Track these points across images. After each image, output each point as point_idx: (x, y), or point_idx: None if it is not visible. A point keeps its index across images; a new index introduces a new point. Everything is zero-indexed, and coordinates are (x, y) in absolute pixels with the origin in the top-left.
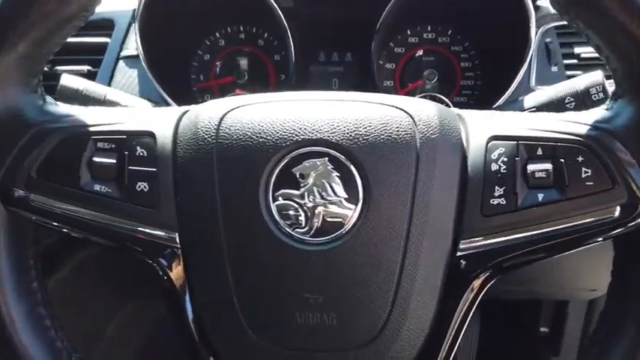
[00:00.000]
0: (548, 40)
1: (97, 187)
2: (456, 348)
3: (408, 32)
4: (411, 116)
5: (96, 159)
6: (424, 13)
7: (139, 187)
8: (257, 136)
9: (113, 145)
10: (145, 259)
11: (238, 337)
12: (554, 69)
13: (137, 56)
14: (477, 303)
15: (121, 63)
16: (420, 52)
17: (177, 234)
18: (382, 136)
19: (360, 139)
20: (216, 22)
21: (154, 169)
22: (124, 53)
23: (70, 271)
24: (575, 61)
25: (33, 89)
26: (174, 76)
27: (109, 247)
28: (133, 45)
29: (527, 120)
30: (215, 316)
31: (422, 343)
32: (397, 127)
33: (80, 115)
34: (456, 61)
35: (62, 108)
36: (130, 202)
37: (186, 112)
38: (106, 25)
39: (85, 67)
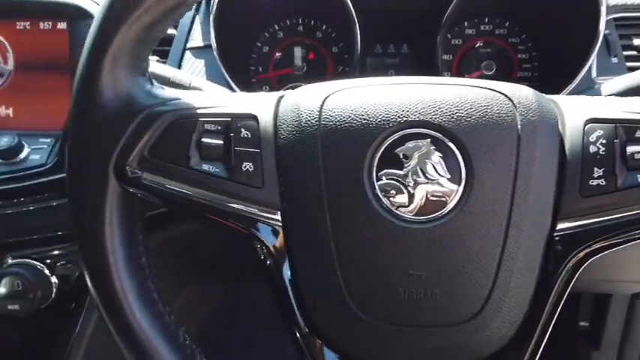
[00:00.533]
0: (607, 31)
1: (205, 167)
2: (550, 328)
3: (466, 24)
4: (510, 99)
5: (204, 140)
6: (484, 5)
7: (245, 167)
8: (360, 118)
9: (219, 127)
10: (248, 238)
11: (342, 312)
12: (615, 60)
13: (202, 47)
14: (571, 284)
15: (188, 54)
16: (478, 44)
17: (279, 212)
18: (483, 118)
19: (462, 120)
20: (277, 14)
21: (258, 150)
22: (189, 44)
23: None
24: (634, 52)
25: (142, 73)
26: (238, 67)
27: (209, 224)
28: (198, 37)
29: (623, 103)
30: (318, 293)
31: (520, 321)
32: (498, 110)
33: (187, 99)
34: (513, 52)
35: (168, 92)
36: (236, 181)
37: (282, 96)
38: None
39: (155, 58)
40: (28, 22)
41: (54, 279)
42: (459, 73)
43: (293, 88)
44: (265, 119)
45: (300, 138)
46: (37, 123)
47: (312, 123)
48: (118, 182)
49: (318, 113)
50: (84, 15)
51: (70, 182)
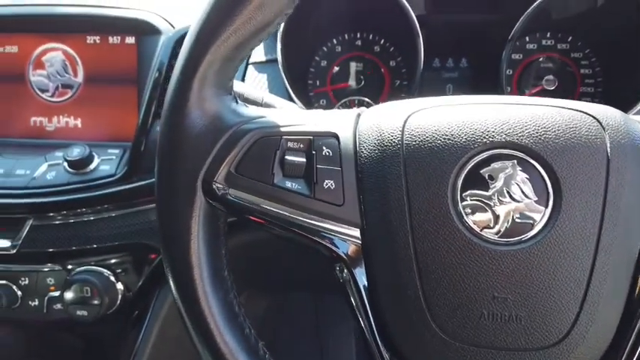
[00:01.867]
0: None
1: (288, 184)
2: (635, 356)
3: (527, 39)
4: (598, 121)
5: (288, 157)
6: (548, 21)
7: (326, 184)
8: (444, 138)
9: (301, 145)
10: (327, 253)
11: (423, 333)
12: None
13: (264, 62)
14: None
15: (250, 68)
16: (539, 59)
17: (358, 230)
18: (571, 140)
19: (549, 142)
20: (336, 29)
21: (339, 169)
22: (252, 60)
23: None
24: None
25: (228, 92)
26: (297, 81)
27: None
28: (260, 51)
29: None
30: (399, 312)
31: (606, 348)
32: (586, 132)
33: (270, 117)
34: (575, 68)
35: (252, 110)
36: (317, 199)
37: (360, 114)
38: None
39: None
40: (98, 37)
41: (119, 286)
42: (519, 88)
43: (354, 102)
44: (346, 137)
45: (382, 157)
46: (104, 134)
47: (394, 142)
48: (205, 197)
49: (400, 132)
50: (152, 30)
51: (159, 196)
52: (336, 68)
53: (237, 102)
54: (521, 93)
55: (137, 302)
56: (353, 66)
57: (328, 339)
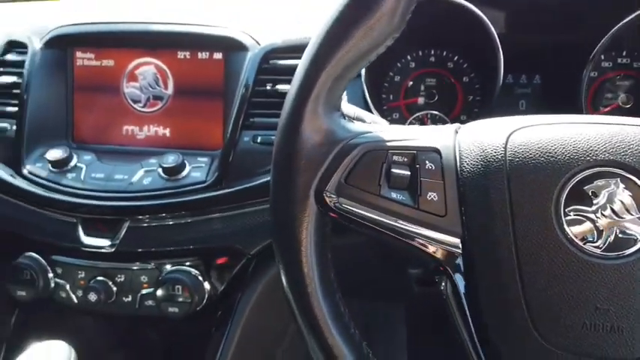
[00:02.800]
0: None
1: (394, 195)
2: None
3: (602, 57)
4: None
5: (394, 170)
6: (627, 41)
7: (430, 196)
8: (548, 155)
9: (406, 159)
10: (428, 262)
11: (524, 339)
12: None
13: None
14: None
15: None
16: (614, 77)
17: (460, 240)
18: None
19: None
20: (411, 46)
21: (442, 182)
22: None
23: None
24: None
25: (337, 108)
26: (373, 96)
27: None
28: None
29: None
30: (500, 320)
31: None
32: None
33: (376, 133)
34: None
35: (358, 126)
36: (421, 210)
37: (457, 130)
38: None
39: None
40: (188, 52)
41: (206, 285)
42: (593, 105)
43: (427, 117)
44: (447, 152)
45: (485, 171)
46: (190, 143)
47: (497, 158)
48: (317, 205)
49: (503, 149)
50: (239, 47)
51: (275, 203)
52: (410, 83)
53: (344, 118)
54: (596, 110)
55: (221, 303)
56: (426, 81)
57: (378, 347)
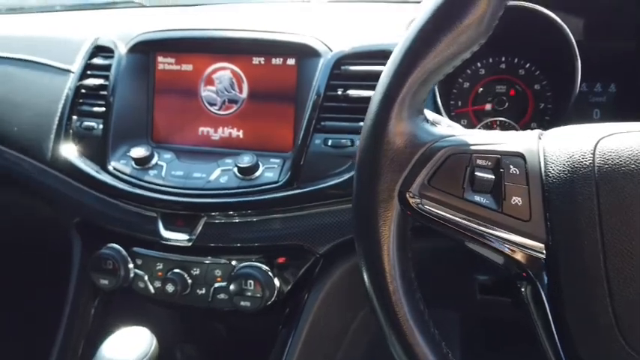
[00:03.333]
0: None
1: (477, 198)
2: None
3: None
4: None
5: (478, 174)
6: None
7: (514, 201)
8: (638, 163)
9: (489, 163)
10: (503, 268)
11: (609, 346)
12: None
13: None
14: None
15: None
16: None
17: (543, 245)
18: None
19: None
20: (482, 53)
21: (526, 187)
22: None
23: (340, 276)
24: None
25: (420, 112)
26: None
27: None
28: None
29: None
30: (586, 326)
31: None
32: None
33: (460, 136)
34: None
35: (441, 129)
36: (505, 214)
37: (540, 136)
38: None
39: (372, 92)
40: (263, 58)
41: (277, 282)
42: None
43: (496, 123)
44: (532, 157)
45: (572, 178)
46: (262, 144)
47: (585, 164)
48: (400, 206)
49: (591, 155)
50: (311, 53)
51: (359, 202)
52: (479, 90)
53: (427, 122)
54: None
55: (289, 300)
56: (496, 88)
57: None
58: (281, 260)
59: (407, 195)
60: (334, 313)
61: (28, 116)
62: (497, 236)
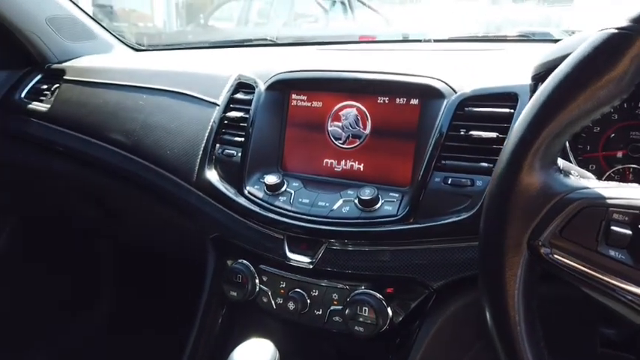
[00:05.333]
0: None
1: (612, 253)
2: None
3: None
4: None
5: (614, 228)
6: None
7: None
8: None
9: (627, 218)
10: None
11: None
12: None
13: None
14: None
15: None
16: None
17: None
18: None
19: None
20: None
21: None
22: None
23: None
24: None
25: (554, 163)
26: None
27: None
28: None
29: None
30: None
31: None
32: None
33: (594, 189)
34: None
35: (575, 180)
36: None
37: None
38: (512, 98)
39: (494, 134)
40: (387, 98)
41: (389, 311)
42: None
43: (629, 170)
44: None
45: None
46: (383, 178)
47: None
48: (528, 255)
49: None
50: (435, 94)
51: (486, 249)
52: (611, 135)
53: (561, 173)
54: None
55: (401, 330)
56: (630, 134)
57: None
58: (394, 291)
59: (536, 244)
60: (445, 349)
61: (178, 142)
62: (631, 292)
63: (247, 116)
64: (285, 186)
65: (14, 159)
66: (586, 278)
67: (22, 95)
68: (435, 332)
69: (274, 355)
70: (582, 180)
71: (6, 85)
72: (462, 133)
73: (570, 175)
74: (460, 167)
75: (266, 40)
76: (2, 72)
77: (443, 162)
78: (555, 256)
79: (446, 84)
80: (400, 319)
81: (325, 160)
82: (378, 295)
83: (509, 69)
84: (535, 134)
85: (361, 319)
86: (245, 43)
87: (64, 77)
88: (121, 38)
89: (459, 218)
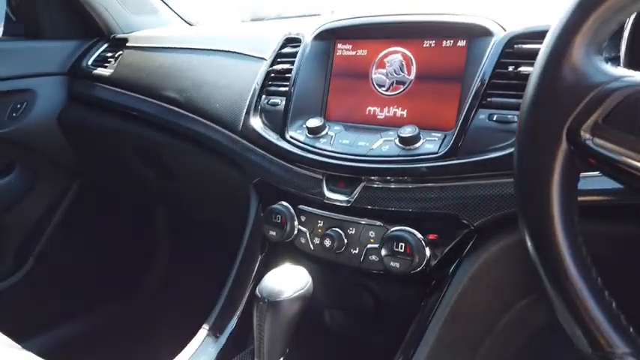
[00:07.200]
0: None
1: None
2: None
3: None
4: None
5: None
6: None
7: None
8: None
9: None
10: None
11: None
12: None
13: None
14: None
15: None
16: None
17: None
18: None
19: None
20: None
21: None
22: None
23: (495, 253)
24: None
25: (599, 52)
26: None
27: None
28: None
29: None
30: None
31: None
32: None
33: (637, 77)
34: None
35: (619, 70)
36: None
37: None
38: None
39: None
40: (434, 41)
41: (427, 251)
42: None
43: None
44: None
45: None
46: (426, 123)
47: None
48: (568, 144)
49: None
50: (484, 33)
51: (523, 139)
52: None
53: (606, 62)
54: None
55: (438, 272)
56: None
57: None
58: (433, 229)
59: (577, 132)
60: (484, 297)
61: (227, 95)
62: None
63: (292, 67)
64: (326, 129)
65: (82, 121)
66: (630, 168)
67: (89, 63)
68: (474, 274)
69: (307, 280)
70: (627, 70)
71: (75, 54)
72: (511, 69)
73: (616, 65)
74: (506, 104)
75: (318, 14)
76: (72, 42)
77: (488, 99)
78: (597, 145)
79: (495, 22)
80: (438, 259)
81: (368, 108)
82: (417, 233)
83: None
84: (582, 18)
85: (397, 256)
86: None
87: (127, 45)
88: (179, 14)
89: (504, 153)
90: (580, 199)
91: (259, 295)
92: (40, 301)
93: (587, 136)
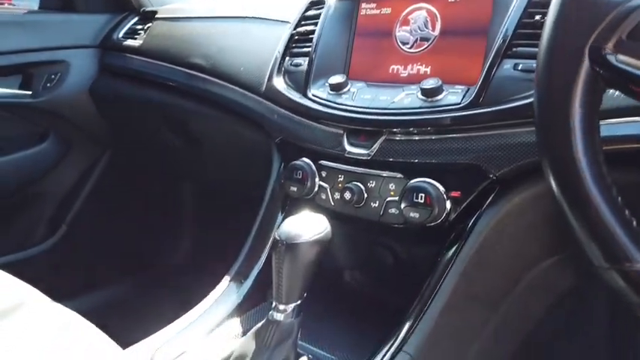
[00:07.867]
0: None
1: None
2: None
3: None
4: None
5: None
6: None
7: None
8: None
9: None
10: None
11: None
12: None
13: None
14: None
15: None
16: None
17: None
18: None
19: None
20: None
21: None
22: None
23: (518, 205)
24: None
25: None
26: None
27: None
28: None
29: None
30: None
31: None
32: None
33: None
34: None
35: None
36: None
37: None
38: None
39: None
40: None
41: (448, 204)
42: None
43: None
44: None
45: None
46: (450, 78)
47: None
48: (590, 63)
49: None
50: None
51: (545, 57)
52: None
53: None
54: None
55: (457, 224)
56: None
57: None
58: (454, 181)
59: (601, 49)
60: (505, 252)
61: (251, 59)
62: None
63: (315, 29)
64: (348, 86)
65: (112, 92)
66: None
67: (120, 35)
68: (494, 227)
69: (325, 226)
70: None
71: (107, 27)
72: (538, 18)
73: None
74: (533, 53)
75: None
76: (104, 15)
77: (514, 49)
78: (620, 59)
79: None
80: (457, 212)
81: (392, 67)
82: (436, 184)
83: None
84: None
85: (417, 206)
86: None
87: (156, 17)
88: None
89: (529, 101)
90: (605, 148)
91: (278, 238)
92: (72, 267)
93: (611, 52)
